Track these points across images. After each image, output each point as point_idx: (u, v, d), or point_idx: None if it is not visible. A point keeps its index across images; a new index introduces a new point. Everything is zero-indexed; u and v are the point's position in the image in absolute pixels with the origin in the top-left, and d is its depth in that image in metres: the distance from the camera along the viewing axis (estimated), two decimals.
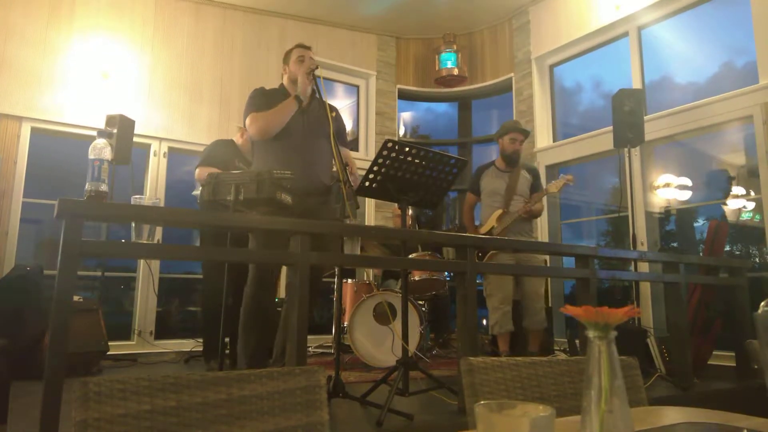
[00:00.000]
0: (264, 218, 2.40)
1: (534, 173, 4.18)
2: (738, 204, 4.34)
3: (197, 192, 4.08)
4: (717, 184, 4.71)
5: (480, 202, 4.19)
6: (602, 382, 0.63)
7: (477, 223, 4.29)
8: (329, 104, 2.87)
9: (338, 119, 3.06)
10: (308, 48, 3.02)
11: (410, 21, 6.20)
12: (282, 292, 4.12)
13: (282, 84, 3.07)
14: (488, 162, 4.29)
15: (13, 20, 4.58)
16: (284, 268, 3.73)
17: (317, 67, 2.85)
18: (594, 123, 5.43)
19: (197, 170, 3.83)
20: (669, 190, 4.73)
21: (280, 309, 3.09)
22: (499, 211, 3.96)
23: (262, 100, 2.91)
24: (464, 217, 4.27)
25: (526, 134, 4.17)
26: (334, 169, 2.89)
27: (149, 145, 5.06)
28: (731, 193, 4.40)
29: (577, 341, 4.44)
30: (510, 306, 3.84)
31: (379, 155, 2.50)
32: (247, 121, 2.88)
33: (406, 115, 7.02)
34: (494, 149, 6.85)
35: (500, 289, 3.84)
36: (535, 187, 4.12)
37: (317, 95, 2.87)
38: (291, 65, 2.98)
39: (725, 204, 4.41)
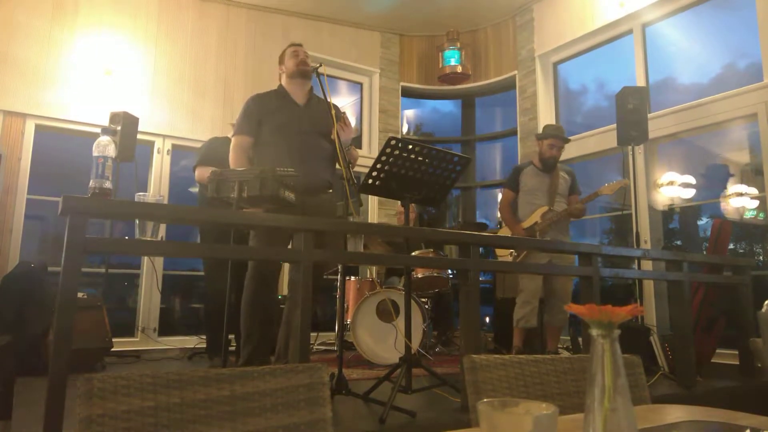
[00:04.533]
0: (267, 215, 2.40)
1: (571, 174, 4.18)
2: (742, 202, 4.32)
3: (195, 189, 4.08)
4: (721, 182, 4.69)
5: (518, 199, 4.18)
6: (605, 380, 0.63)
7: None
8: (333, 103, 2.87)
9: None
10: (300, 45, 3.10)
11: (414, 18, 6.19)
12: (284, 290, 4.13)
13: (280, 84, 3.09)
14: (526, 161, 4.30)
15: (17, 17, 4.59)
16: (286, 265, 3.76)
17: (320, 65, 2.85)
18: (598, 123, 5.41)
19: (197, 171, 3.82)
20: (673, 188, 4.71)
21: (282, 306, 3.10)
22: (545, 208, 3.94)
23: (253, 113, 2.93)
24: (503, 213, 4.24)
25: (566, 141, 4.14)
26: (338, 166, 2.89)
27: (153, 142, 5.07)
28: (735, 191, 4.38)
29: (580, 339, 4.43)
30: (537, 302, 3.86)
31: (382, 153, 2.50)
32: (232, 140, 2.98)
33: (409, 113, 7.01)
34: (498, 147, 6.88)
35: (532, 283, 3.86)
36: (572, 188, 4.11)
37: (322, 94, 2.88)
38: (286, 61, 3.06)
39: (729, 202, 4.39)
